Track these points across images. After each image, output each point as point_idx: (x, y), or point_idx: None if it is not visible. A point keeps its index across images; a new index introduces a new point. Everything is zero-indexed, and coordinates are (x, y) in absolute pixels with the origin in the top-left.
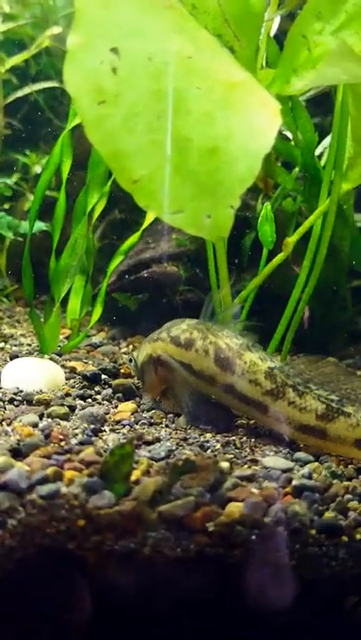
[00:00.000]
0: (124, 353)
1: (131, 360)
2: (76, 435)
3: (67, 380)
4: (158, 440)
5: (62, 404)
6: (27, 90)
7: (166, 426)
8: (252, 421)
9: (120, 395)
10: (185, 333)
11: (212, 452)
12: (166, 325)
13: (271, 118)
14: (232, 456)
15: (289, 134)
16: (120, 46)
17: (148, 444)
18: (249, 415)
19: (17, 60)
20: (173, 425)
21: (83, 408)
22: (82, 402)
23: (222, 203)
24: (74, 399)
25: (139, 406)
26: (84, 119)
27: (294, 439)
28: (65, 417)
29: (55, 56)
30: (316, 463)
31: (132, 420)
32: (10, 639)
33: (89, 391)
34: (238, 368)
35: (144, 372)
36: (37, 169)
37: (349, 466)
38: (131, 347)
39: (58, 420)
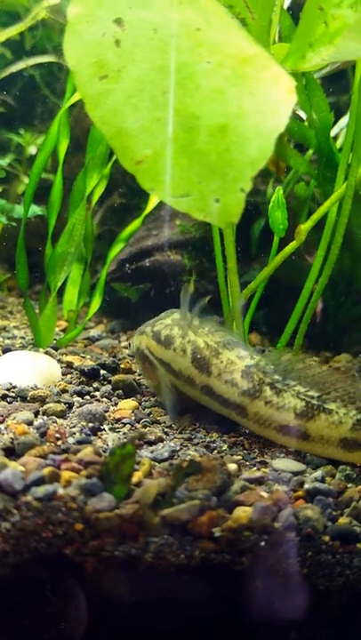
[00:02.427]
0: (125, 347)
1: (129, 345)
2: (74, 433)
3: (63, 375)
4: (161, 440)
5: (59, 401)
6: (21, 65)
7: (170, 426)
8: None
9: (120, 391)
10: (166, 330)
11: (218, 452)
12: (159, 316)
13: (286, 96)
14: (240, 457)
15: (302, 114)
16: (124, 17)
17: (151, 443)
18: (231, 418)
19: (11, 32)
20: (177, 426)
21: (80, 405)
22: (79, 399)
23: (232, 186)
24: (71, 396)
25: (140, 403)
26: (84, 95)
27: (278, 443)
28: (62, 414)
29: (52, 29)
30: (330, 466)
31: (133, 418)
32: None
33: (87, 387)
34: (215, 368)
35: (138, 359)
36: (32, 149)
37: None
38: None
39: (54, 417)
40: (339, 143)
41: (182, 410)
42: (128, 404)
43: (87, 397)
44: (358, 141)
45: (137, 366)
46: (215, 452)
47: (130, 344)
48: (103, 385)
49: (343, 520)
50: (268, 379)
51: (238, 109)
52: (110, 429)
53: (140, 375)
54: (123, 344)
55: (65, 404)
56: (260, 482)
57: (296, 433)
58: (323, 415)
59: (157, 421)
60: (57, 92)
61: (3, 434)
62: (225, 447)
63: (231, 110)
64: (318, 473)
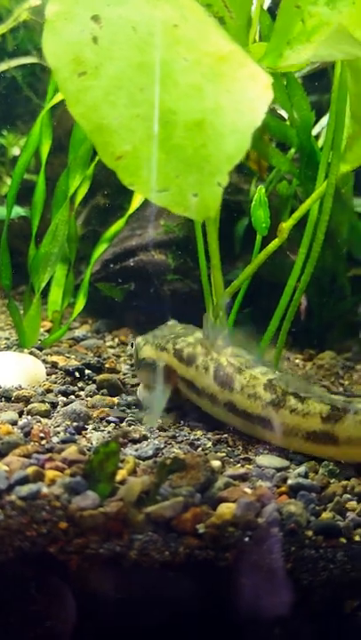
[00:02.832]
0: (110, 347)
1: (132, 345)
2: (58, 433)
3: (48, 375)
4: (145, 438)
5: (43, 401)
6: (3, 66)
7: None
8: None
9: (105, 390)
10: (189, 347)
11: (202, 450)
12: (175, 331)
13: (262, 92)
14: (224, 454)
15: (284, 113)
16: (102, 14)
17: (135, 442)
18: (257, 435)
19: None
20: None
21: (65, 405)
22: (64, 398)
23: (209, 180)
24: (55, 395)
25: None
26: (64, 92)
27: (307, 453)
28: (46, 414)
29: (34, 30)
30: (313, 462)
31: (116, 417)
32: None
33: (72, 387)
34: (237, 384)
35: (142, 366)
36: (15, 151)
37: (348, 465)
38: (116, 340)
39: (38, 417)
40: (321, 142)
41: (167, 408)
42: (113, 403)
43: (72, 397)
44: (338, 139)
45: (137, 365)
46: (199, 449)
47: (132, 343)
48: (88, 384)
49: (326, 515)
50: (291, 389)
51: (215, 105)
52: (94, 428)
53: (124, 375)
54: (108, 344)
55: (49, 403)
56: (243, 478)
57: (324, 438)
58: (350, 416)
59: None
60: (39, 92)
61: None
62: (209, 444)
63: (208, 106)
64: (302, 469)
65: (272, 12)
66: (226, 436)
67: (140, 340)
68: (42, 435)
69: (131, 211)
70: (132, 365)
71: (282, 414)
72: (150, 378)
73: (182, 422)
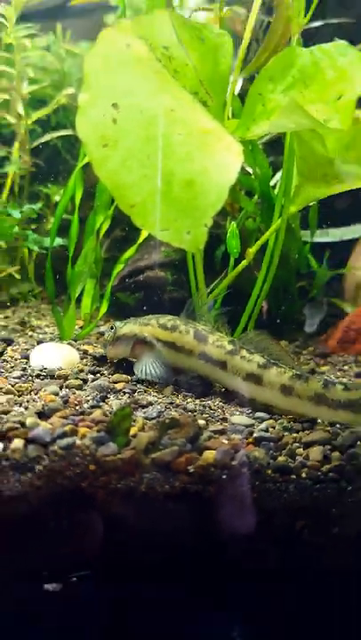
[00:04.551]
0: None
1: (112, 328)
2: (88, 401)
3: (81, 359)
4: (151, 404)
5: (77, 378)
6: (48, 137)
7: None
8: (223, 389)
9: (122, 370)
10: (171, 321)
11: (192, 413)
12: (155, 317)
13: (235, 158)
14: (207, 416)
15: (250, 169)
16: (119, 102)
17: (143, 407)
18: (215, 376)
19: (40, 113)
20: (162, 394)
21: (93, 380)
22: (92, 376)
23: (198, 223)
24: (86, 374)
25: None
26: (91, 159)
27: (241, 390)
28: (79, 387)
29: (70, 110)
30: (272, 420)
31: (130, 389)
32: (38, 561)
33: (98, 368)
34: (211, 338)
35: (119, 341)
36: (57, 197)
37: (297, 423)
38: None
39: (74, 389)
40: (277, 190)
41: (166, 382)
42: (128, 379)
43: (98, 375)
44: (289, 188)
45: (111, 343)
46: (190, 412)
47: (113, 326)
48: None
49: (281, 458)
50: (246, 347)
51: (202, 168)
52: (114, 397)
53: (104, 344)
54: None
55: (82, 380)
56: (222, 433)
57: (255, 379)
58: (274, 368)
59: (148, 392)
60: (74, 155)
61: (37, 402)
62: (197, 409)
63: (197, 169)
64: (263, 425)
65: (241, 96)
66: (209, 402)
67: (118, 323)
68: (76, 402)
69: (140, 241)
70: None
71: (235, 360)
72: (127, 349)
73: (177, 393)
